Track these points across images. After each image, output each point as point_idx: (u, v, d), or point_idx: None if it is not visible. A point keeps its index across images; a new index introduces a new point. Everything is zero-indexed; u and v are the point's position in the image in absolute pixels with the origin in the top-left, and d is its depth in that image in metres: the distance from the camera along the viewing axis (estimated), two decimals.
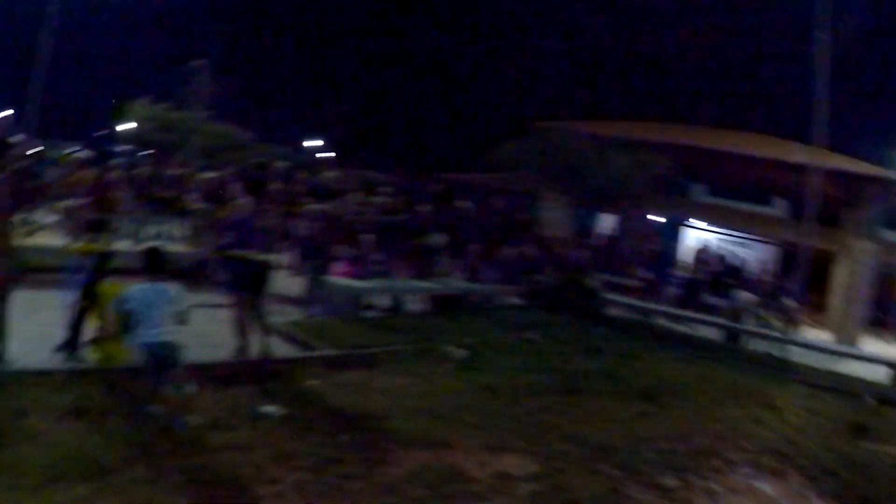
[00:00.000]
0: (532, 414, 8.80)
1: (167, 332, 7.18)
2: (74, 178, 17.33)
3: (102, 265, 8.99)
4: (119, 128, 40.40)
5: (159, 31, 61.93)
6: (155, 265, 7.47)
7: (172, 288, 7.40)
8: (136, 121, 34.11)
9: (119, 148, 31.89)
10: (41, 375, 7.68)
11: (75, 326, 8.76)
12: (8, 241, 8.03)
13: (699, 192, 29.39)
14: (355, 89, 62.92)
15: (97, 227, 8.99)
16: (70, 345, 8.72)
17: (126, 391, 7.51)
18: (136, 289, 7.25)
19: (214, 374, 8.57)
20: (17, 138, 17.88)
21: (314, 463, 6.78)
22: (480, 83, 55.31)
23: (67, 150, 21.57)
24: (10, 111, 25.90)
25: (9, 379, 7.49)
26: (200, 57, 44.20)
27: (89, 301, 8.68)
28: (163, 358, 7.15)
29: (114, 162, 16.14)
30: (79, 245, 9.04)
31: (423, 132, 57.90)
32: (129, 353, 8.08)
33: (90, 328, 8.69)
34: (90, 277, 8.73)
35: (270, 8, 63.08)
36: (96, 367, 8.23)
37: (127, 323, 7.19)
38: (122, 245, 10.35)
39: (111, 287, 8.41)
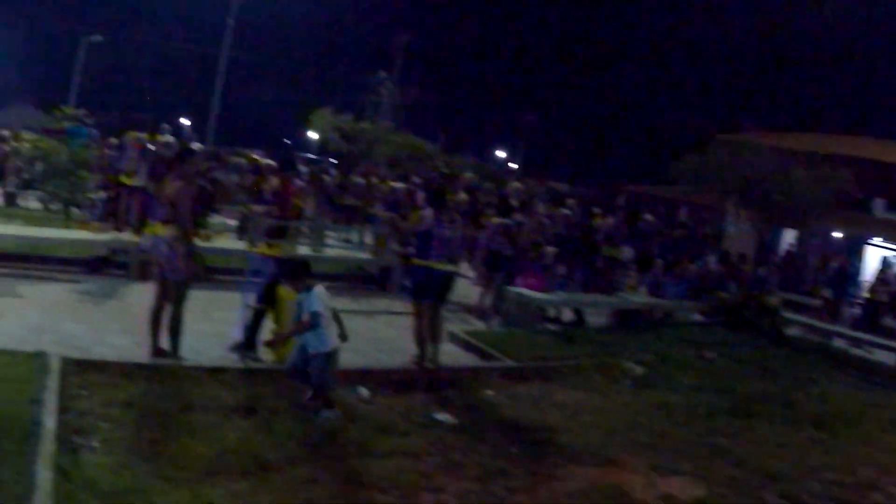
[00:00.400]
0: (703, 436, 8.46)
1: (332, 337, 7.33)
2: (258, 184, 18.12)
3: (281, 267, 9.15)
4: (303, 136, 41.86)
5: (344, 41, 64.02)
6: (300, 274, 7.57)
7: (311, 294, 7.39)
8: (320, 130, 35.19)
9: (303, 156, 32.96)
10: (214, 372, 7.96)
11: (252, 327, 9.03)
12: (189, 243, 8.40)
13: (881, 208, 27.86)
14: (541, 100, 62.99)
15: (280, 232, 9.24)
16: (245, 344, 8.97)
17: (297, 392, 7.61)
18: (320, 292, 7.38)
19: (390, 380, 8.68)
20: (197, 145, 18.78)
21: (481, 474, 6.65)
22: (665, 93, 54.25)
23: (252, 156, 22.43)
24: (188, 120, 27.34)
25: (181, 373, 7.79)
26: (385, 67, 45.39)
27: (268, 303, 8.90)
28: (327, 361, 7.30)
29: (298, 169, 16.67)
30: (261, 248, 9.33)
31: (607, 143, 57.35)
32: None
33: (267, 329, 8.91)
34: (270, 280, 8.93)
35: (455, 19, 64.01)
36: (269, 368, 8.45)
37: (311, 324, 7.26)
38: (303, 250, 10.64)
39: (289, 290, 8.55)
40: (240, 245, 13.75)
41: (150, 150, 15.11)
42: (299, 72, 65.20)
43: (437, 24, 63.58)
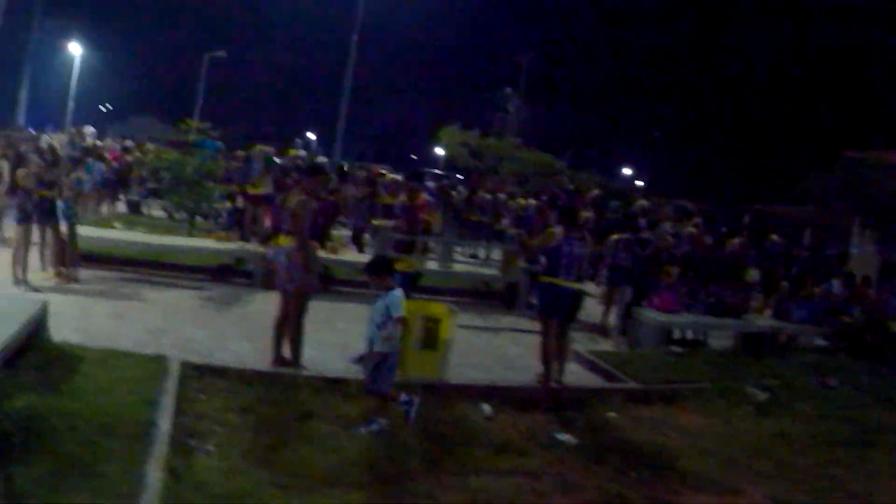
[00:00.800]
0: (822, 466, 8.15)
1: (383, 338, 7.24)
2: (387, 199, 18.37)
3: (411, 283, 9.27)
4: (429, 152, 42.21)
5: (470, 57, 64.45)
6: (380, 272, 7.62)
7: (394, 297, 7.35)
8: (446, 146, 35.47)
9: (430, 171, 33.27)
10: (334, 383, 8.01)
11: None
12: (311, 256, 8.57)
13: None
14: (666, 116, 62.17)
15: (407, 246, 9.25)
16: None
17: (423, 406, 7.54)
18: (401, 296, 7.37)
19: (513, 398, 8.60)
20: (322, 159, 19.16)
21: (598, 497, 6.49)
22: (791, 110, 52.63)
23: (380, 171, 22.76)
24: (314, 135, 27.86)
25: (301, 383, 7.84)
26: (511, 83, 45.50)
27: None
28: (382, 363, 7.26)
29: (427, 185, 16.83)
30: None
31: (733, 160, 56.06)
32: (430, 367, 8.43)
33: None
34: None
35: (582, 35, 63.76)
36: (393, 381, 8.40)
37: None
38: (431, 265, 10.67)
39: (417, 304, 8.66)
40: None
41: (276, 162, 15.51)
42: (425, 87, 66.02)
43: (564, 41, 63.38)
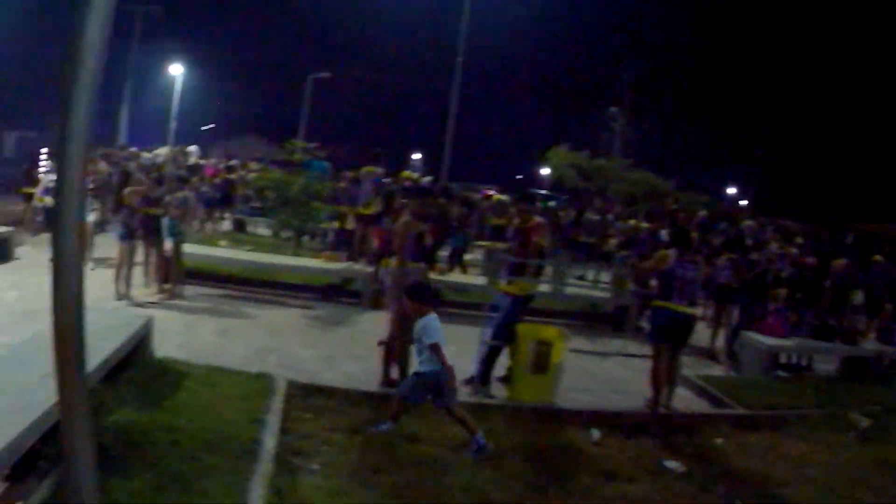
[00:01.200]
0: None
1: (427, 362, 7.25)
2: (495, 220, 18.29)
3: (522, 306, 9.19)
4: (535, 172, 42.12)
5: (575, 77, 64.26)
6: (425, 297, 7.55)
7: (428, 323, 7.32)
8: (554, 166, 35.35)
9: (537, 192, 33.16)
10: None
11: (487, 363, 9.02)
12: (411, 277, 8.53)
13: None
14: (769, 134, 61.01)
15: (519, 269, 9.17)
16: (479, 380, 8.96)
17: (531, 430, 7.61)
18: (432, 318, 7.33)
19: (621, 423, 8.55)
20: (429, 179, 19.22)
21: None
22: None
23: (489, 192, 22.71)
24: (419, 154, 28.03)
25: (413, 405, 7.67)
26: (616, 103, 45.21)
27: (507, 339, 8.89)
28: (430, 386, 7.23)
29: (538, 206, 16.68)
30: (502, 285, 9.33)
31: (837, 178, 54.47)
32: (541, 391, 8.43)
33: (504, 365, 8.95)
34: (510, 317, 8.91)
35: (682, 54, 63.07)
36: (501, 404, 8.42)
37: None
38: (543, 287, 10.59)
39: (529, 328, 8.68)
40: (478, 280, 13.86)
41: (385, 183, 15.60)
42: (531, 108, 66.11)
43: (667, 59, 62.70)
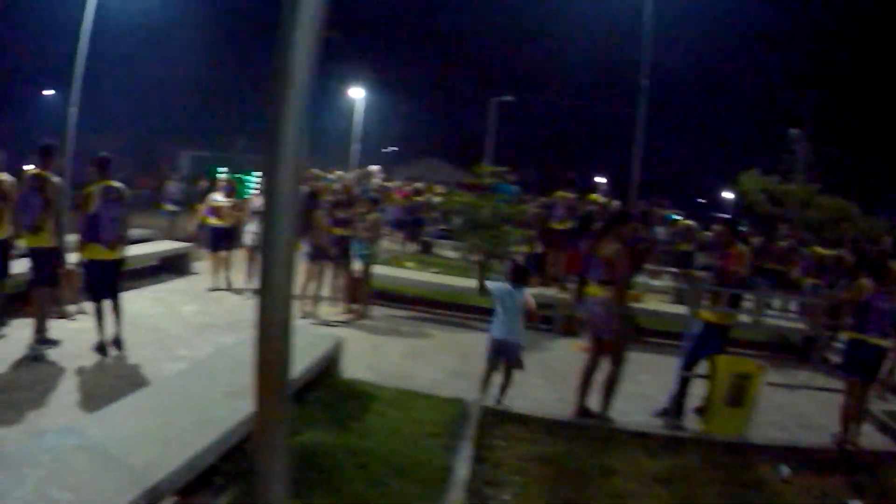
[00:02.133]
0: None
1: (512, 332, 8.31)
2: (684, 246, 17.88)
3: (723, 336, 8.93)
4: (718, 196, 41.06)
5: (757, 100, 62.44)
6: (518, 276, 8.63)
7: (525, 294, 8.44)
8: (745, 191, 34.38)
9: (720, 216, 32.42)
10: (638, 437, 7.73)
11: (680, 393, 8.78)
12: (625, 304, 8.54)
13: None
14: None
15: (720, 297, 8.87)
16: (673, 411, 8.72)
17: (724, 465, 7.32)
18: (497, 285, 8.59)
19: (810, 459, 8.15)
20: (616, 202, 18.91)
21: None
22: None
23: (675, 216, 22.18)
24: (604, 178, 27.69)
25: (604, 435, 7.61)
26: (798, 124, 43.49)
27: (707, 370, 8.57)
28: (505, 354, 8.31)
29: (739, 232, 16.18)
30: (703, 313, 9.02)
31: None
32: (735, 425, 8.15)
33: (698, 397, 8.65)
34: (711, 347, 8.66)
35: (865, 73, 60.33)
36: (696, 438, 8.11)
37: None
38: (742, 317, 10.21)
39: (728, 360, 8.40)
40: (672, 308, 13.47)
41: (578, 208, 15.47)
42: (713, 130, 64.81)
43: (853, 79, 60.00)
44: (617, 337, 8.24)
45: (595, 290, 8.45)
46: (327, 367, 7.95)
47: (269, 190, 2.64)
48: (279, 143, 2.57)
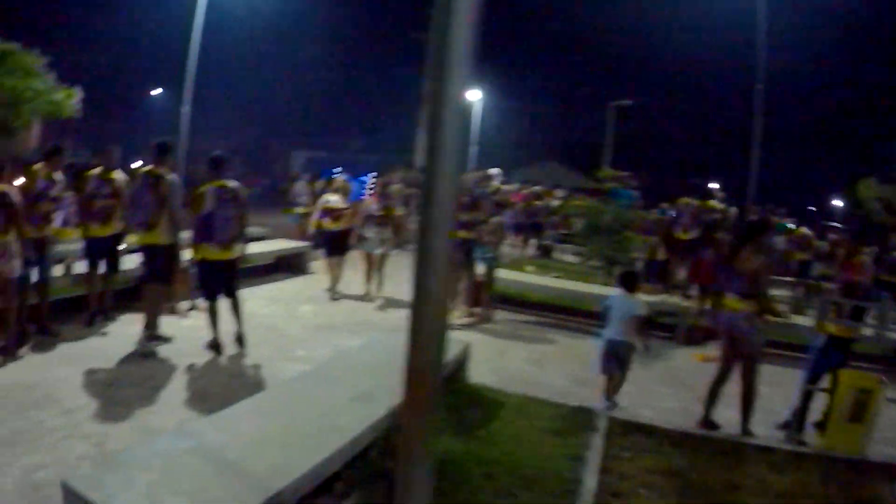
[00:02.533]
0: None
1: (624, 335, 8.40)
2: (799, 256, 17.50)
3: (846, 349, 8.68)
4: (829, 204, 40.03)
5: (869, 107, 60.41)
6: (628, 283, 8.74)
7: (639, 301, 8.64)
8: (863, 199, 33.33)
9: (829, 224, 31.61)
10: (763, 451, 7.51)
11: (802, 408, 8.53)
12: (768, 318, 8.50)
13: None
14: None
15: (842, 309, 8.60)
16: (795, 424, 8.47)
17: (841, 482, 7.06)
18: (613, 295, 8.74)
19: None
20: (734, 210, 18.57)
21: None
22: None
23: (788, 224, 21.57)
24: (717, 184, 27.28)
25: (730, 448, 7.43)
26: None
27: (829, 384, 8.29)
28: (616, 356, 8.39)
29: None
30: (827, 327, 8.72)
31: None
32: (853, 442, 7.88)
33: (820, 411, 8.36)
34: (834, 360, 8.41)
35: None
36: (816, 453, 7.86)
37: None
38: (867, 331, 9.87)
39: (850, 375, 8.12)
40: (793, 318, 13.14)
41: (703, 215, 15.27)
42: (825, 137, 63.11)
43: None
44: (757, 351, 8.14)
45: (736, 304, 8.25)
46: (455, 372, 7.97)
47: (426, 202, 2.66)
48: (437, 156, 2.58)
